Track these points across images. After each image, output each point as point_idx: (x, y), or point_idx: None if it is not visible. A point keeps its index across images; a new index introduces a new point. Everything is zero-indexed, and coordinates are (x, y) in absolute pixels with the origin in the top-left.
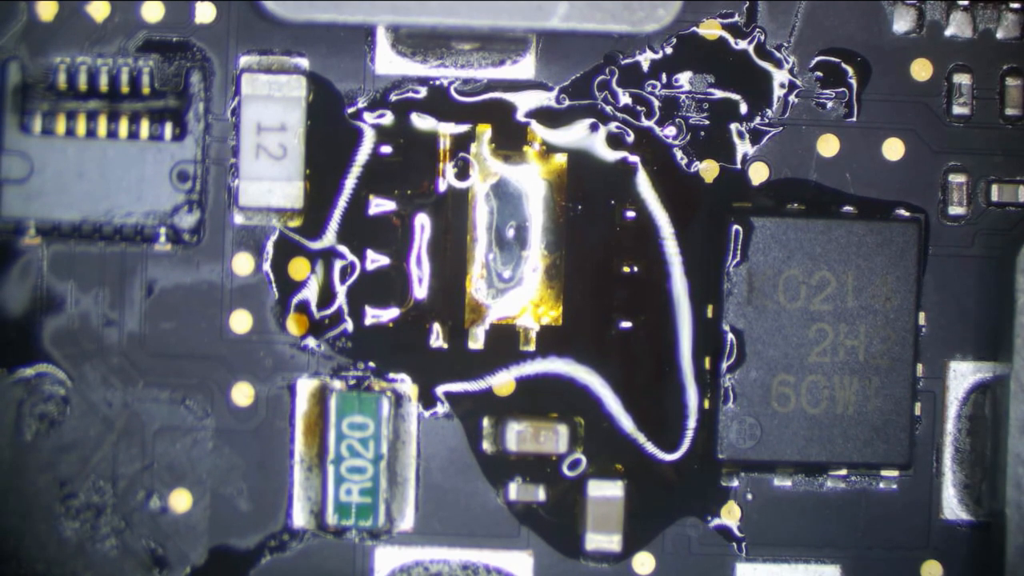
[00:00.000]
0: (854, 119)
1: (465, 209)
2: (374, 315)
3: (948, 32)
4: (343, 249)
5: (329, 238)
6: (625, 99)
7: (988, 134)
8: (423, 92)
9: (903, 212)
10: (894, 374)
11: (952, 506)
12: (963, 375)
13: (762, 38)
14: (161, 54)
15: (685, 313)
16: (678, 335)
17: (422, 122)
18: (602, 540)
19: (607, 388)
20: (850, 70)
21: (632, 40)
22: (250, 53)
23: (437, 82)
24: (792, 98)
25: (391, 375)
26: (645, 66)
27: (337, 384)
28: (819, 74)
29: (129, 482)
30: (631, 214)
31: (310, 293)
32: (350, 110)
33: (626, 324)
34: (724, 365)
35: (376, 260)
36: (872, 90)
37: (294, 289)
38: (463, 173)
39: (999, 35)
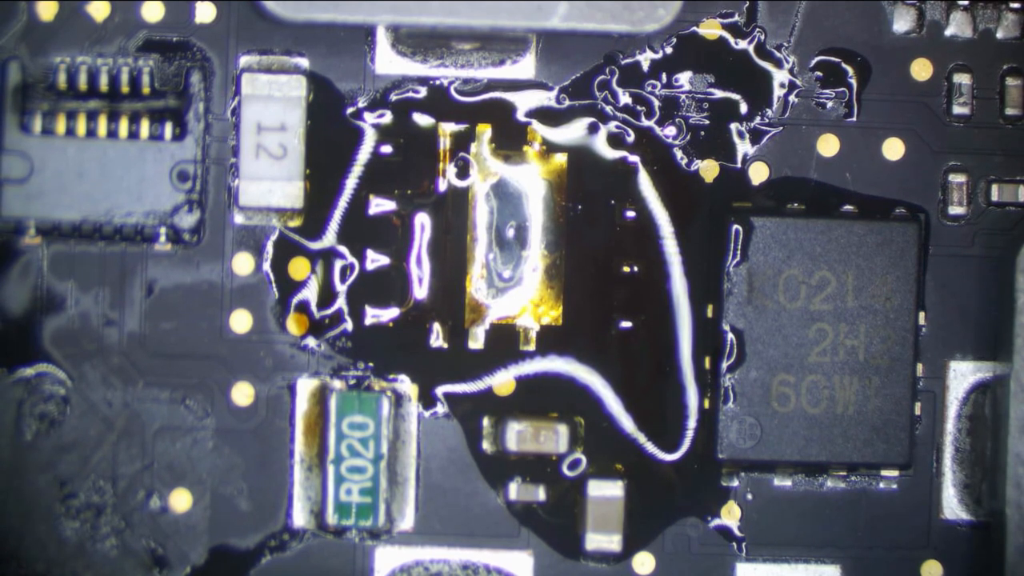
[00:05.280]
0: (854, 119)
1: (465, 209)
2: (374, 315)
3: (948, 32)
4: (343, 249)
5: (329, 238)
6: (625, 99)
7: (988, 134)
8: (423, 92)
9: (903, 212)
10: (894, 374)
11: (952, 506)
12: (963, 375)
13: (762, 38)
14: (161, 54)
15: (685, 313)
16: (678, 335)
17: (422, 122)
18: (602, 540)
19: (607, 388)
20: (850, 70)
21: (632, 40)
22: (250, 53)
23: (437, 82)
24: (792, 98)
25: (391, 375)
26: (645, 66)
27: (337, 384)
28: (819, 74)
29: (129, 482)
30: (631, 214)
31: (310, 293)
32: (350, 110)
33: (626, 324)
34: (724, 365)
35: (376, 260)
36: (872, 90)
37: (294, 289)
38: (463, 173)
39: (999, 35)
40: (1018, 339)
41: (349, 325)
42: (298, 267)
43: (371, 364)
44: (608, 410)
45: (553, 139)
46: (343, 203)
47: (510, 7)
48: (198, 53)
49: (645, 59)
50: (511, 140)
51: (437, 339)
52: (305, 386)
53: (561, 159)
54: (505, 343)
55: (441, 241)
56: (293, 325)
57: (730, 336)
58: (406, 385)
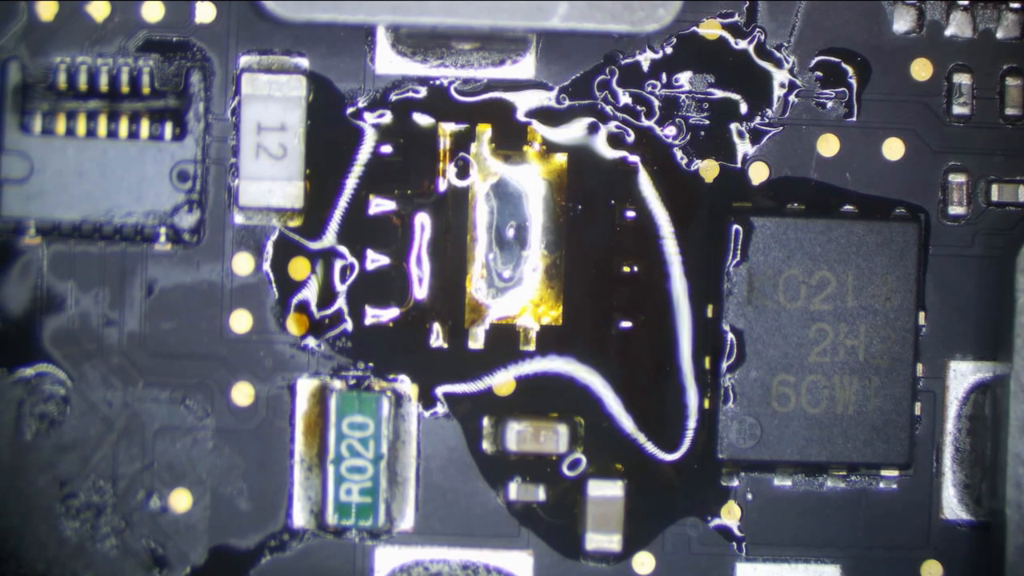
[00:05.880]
0: (854, 119)
1: (465, 209)
2: (374, 315)
3: (948, 32)
4: (343, 249)
5: (329, 238)
6: (625, 99)
7: (988, 134)
8: (423, 92)
9: (903, 212)
10: (894, 374)
11: (952, 506)
12: (963, 375)
13: (762, 38)
14: (161, 54)
15: (685, 313)
16: (678, 335)
17: (422, 122)
18: (602, 540)
19: (607, 388)
20: (850, 70)
21: (632, 40)
22: (250, 53)
23: (437, 82)
24: (792, 98)
25: (391, 375)
26: (645, 66)
27: (337, 384)
28: (819, 74)
29: (129, 482)
30: (631, 214)
31: (310, 293)
32: (350, 110)
33: (626, 324)
34: (724, 365)
35: (376, 260)
36: (872, 90)
37: (294, 289)
38: (463, 173)
39: (999, 35)
40: (1018, 339)
41: (349, 325)
42: (298, 267)
43: (371, 364)
44: (608, 410)
45: (553, 139)
46: (343, 203)
47: (510, 7)
48: (198, 53)
49: (645, 59)
50: (511, 140)
51: (437, 339)
52: (305, 386)
53: (561, 159)
54: (505, 343)
55: (441, 241)
56: (293, 325)
57: (730, 336)
58: (406, 385)
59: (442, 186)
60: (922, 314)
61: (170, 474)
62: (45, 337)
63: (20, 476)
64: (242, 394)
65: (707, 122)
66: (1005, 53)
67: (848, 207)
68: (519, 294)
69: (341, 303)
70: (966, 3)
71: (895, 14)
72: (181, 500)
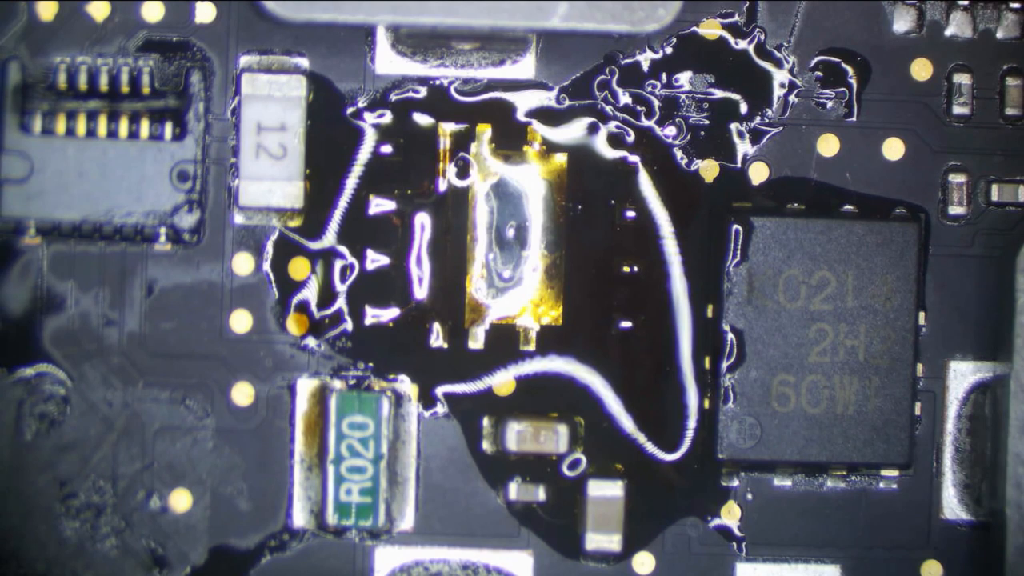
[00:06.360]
0: (854, 119)
1: (465, 209)
2: (374, 315)
3: (948, 32)
4: (343, 249)
5: (329, 238)
6: (625, 99)
7: (988, 134)
8: (423, 92)
9: (903, 212)
10: (894, 374)
11: (952, 506)
12: (963, 375)
13: (762, 38)
14: (161, 54)
15: (685, 313)
16: (678, 335)
17: (422, 122)
18: (602, 540)
19: (607, 388)
20: (850, 70)
21: (632, 40)
22: (250, 53)
23: (437, 82)
24: (792, 98)
25: (391, 375)
26: (645, 66)
27: (337, 384)
28: (819, 74)
29: (129, 482)
30: (631, 214)
31: (310, 293)
32: (350, 110)
33: (626, 324)
34: (724, 365)
35: (376, 260)
36: (872, 90)
37: (294, 289)
38: (463, 173)
39: (999, 35)
40: (1018, 339)
41: (349, 325)
42: (298, 267)
43: (371, 364)
44: (608, 410)
45: (553, 139)
46: (343, 203)
47: (510, 7)
48: (198, 53)
49: (645, 59)
50: (511, 140)
51: (437, 339)
52: (305, 386)
53: (561, 159)
54: (505, 343)
55: (441, 241)
56: (293, 325)
57: (730, 336)
58: (406, 385)
59: (442, 186)
60: (922, 314)
61: (170, 474)
62: (45, 337)
63: (20, 476)
64: (242, 394)
65: (707, 122)
66: (1005, 53)
67: (848, 207)
68: (519, 294)
69: (341, 303)
70: (966, 3)
71: (895, 14)
72: (181, 500)
